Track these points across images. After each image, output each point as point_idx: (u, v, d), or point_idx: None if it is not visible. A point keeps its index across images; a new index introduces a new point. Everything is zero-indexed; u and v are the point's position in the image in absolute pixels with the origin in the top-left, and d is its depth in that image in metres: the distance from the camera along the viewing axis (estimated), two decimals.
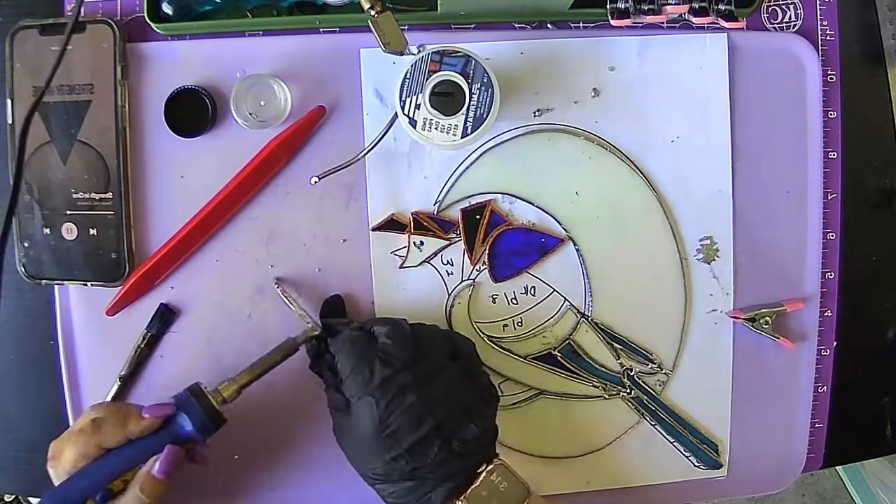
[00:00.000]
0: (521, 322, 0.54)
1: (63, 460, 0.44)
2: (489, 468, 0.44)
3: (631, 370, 0.55)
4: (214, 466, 0.52)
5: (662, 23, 0.53)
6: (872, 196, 0.57)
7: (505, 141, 0.53)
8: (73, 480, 0.43)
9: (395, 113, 0.46)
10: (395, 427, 0.42)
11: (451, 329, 0.54)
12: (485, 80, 0.46)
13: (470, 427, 0.44)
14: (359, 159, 0.50)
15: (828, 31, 0.55)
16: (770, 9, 0.54)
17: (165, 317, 0.53)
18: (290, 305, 0.50)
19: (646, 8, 0.50)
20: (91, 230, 0.52)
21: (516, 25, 0.53)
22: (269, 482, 0.54)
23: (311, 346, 0.49)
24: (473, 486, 0.44)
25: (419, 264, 0.53)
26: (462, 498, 0.43)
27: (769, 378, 0.56)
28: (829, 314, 0.56)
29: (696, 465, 0.56)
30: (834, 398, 0.57)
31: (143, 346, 0.53)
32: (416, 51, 0.46)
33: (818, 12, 0.55)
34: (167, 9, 0.51)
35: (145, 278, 0.52)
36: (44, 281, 0.52)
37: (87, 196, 0.51)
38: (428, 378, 0.44)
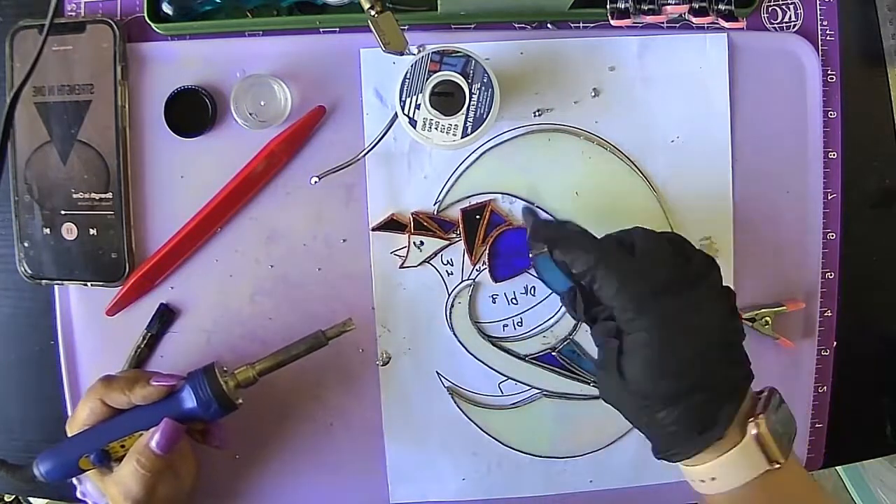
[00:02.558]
0: (521, 322, 0.54)
1: (77, 418, 0.45)
2: (769, 389, 0.42)
3: None
4: (215, 466, 0.52)
5: (662, 23, 0.53)
6: (872, 196, 0.57)
7: (505, 141, 0.53)
8: (69, 441, 0.44)
9: (395, 113, 0.46)
10: (683, 332, 0.39)
11: (453, 329, 0.54)
12: (485, 80, 0.46)
13: (740, 326, 0.42)
14: (359, 159, 0.50)
15: (828, 31, 0.55)
16: (770, 9, 0.54)
17: (165, 317, 0.53)
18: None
19: (646, 8, 0.50)
20: (91, 230, 0.52)
21: (516, 25, 0.53)
22: (270, 482, 0.54)
23: (570, 297, 0.43)
24: (760, 404, 0.41)
25: (419, 264, 0.53)
26: (754, 417, 0.40)
27: (769, 378, 0.55)
28: (829, 314, 0.56)
29: None
30: (834, 398, 0.57)
31: (143, 346, 0.53)
32: (416, 51, 0.46)
33: (818, 12, 0.55)
34: (167, 9, 0.51)
35: (145, 278, 0.52)
36: (44, 281, 0.52)
37: (87, 196, 0.51)
38: (699, 281, 0.41)
